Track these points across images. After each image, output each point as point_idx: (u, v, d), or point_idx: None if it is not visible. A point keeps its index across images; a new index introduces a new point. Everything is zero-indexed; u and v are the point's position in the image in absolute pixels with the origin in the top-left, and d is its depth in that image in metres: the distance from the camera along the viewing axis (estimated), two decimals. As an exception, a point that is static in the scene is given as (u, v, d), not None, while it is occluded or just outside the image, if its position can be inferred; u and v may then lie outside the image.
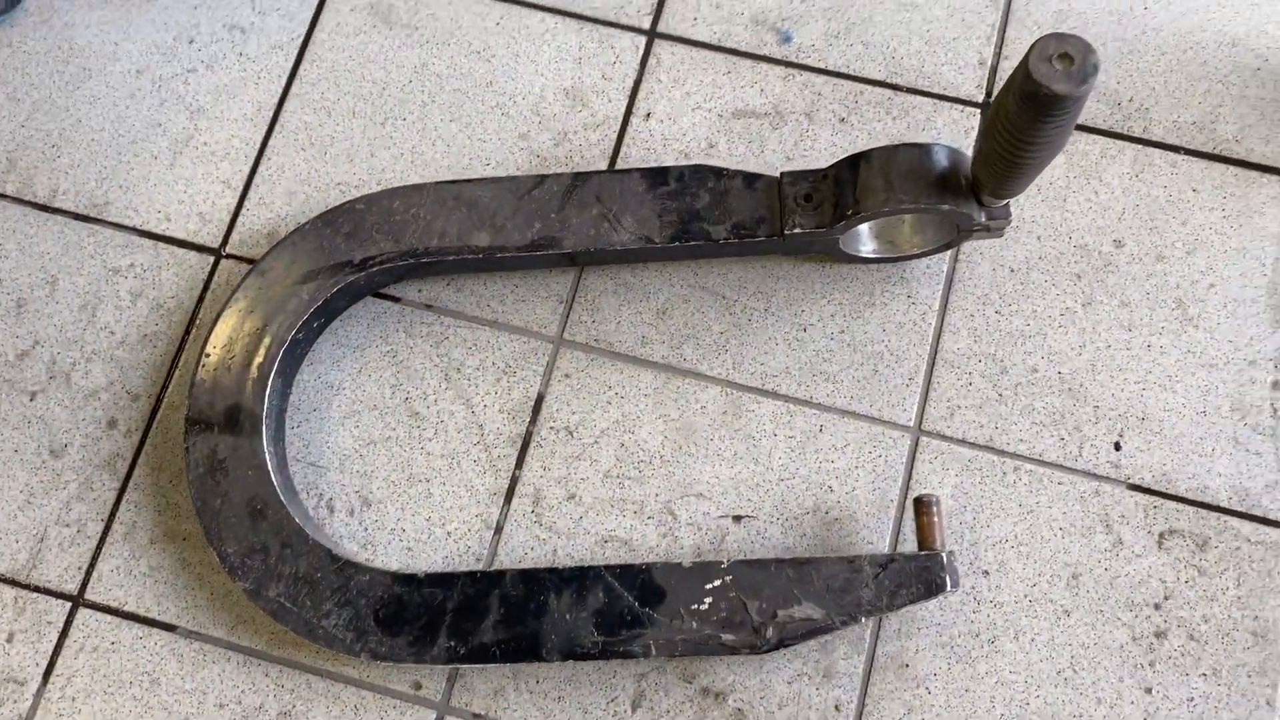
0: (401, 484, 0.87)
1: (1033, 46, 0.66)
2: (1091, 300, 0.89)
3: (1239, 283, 0.89)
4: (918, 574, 0.77)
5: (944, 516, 0.83)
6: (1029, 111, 0.69)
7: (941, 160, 0.80)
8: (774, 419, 0.88)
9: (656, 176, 0.87)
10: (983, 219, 0.82)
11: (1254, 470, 0.85)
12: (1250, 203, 0.91)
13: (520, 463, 0.87)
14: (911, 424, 0.87)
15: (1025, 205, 0.92)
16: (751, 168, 0.94)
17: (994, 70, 0.96)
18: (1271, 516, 0.84)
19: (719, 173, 0.86)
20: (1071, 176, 0.92)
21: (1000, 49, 0.96)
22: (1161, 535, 0.84)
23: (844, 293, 0.90)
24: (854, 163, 0.82)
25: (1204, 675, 0.81)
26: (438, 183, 0.88)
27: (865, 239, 0.88)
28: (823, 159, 0.93)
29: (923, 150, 0.80)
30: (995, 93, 0.94)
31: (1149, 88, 0.94)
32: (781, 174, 0.85)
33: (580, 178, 0.87)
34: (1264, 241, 0.90)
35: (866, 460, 0.86)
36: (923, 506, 0.80)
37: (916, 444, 0.87)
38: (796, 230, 0.84)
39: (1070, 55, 0.66)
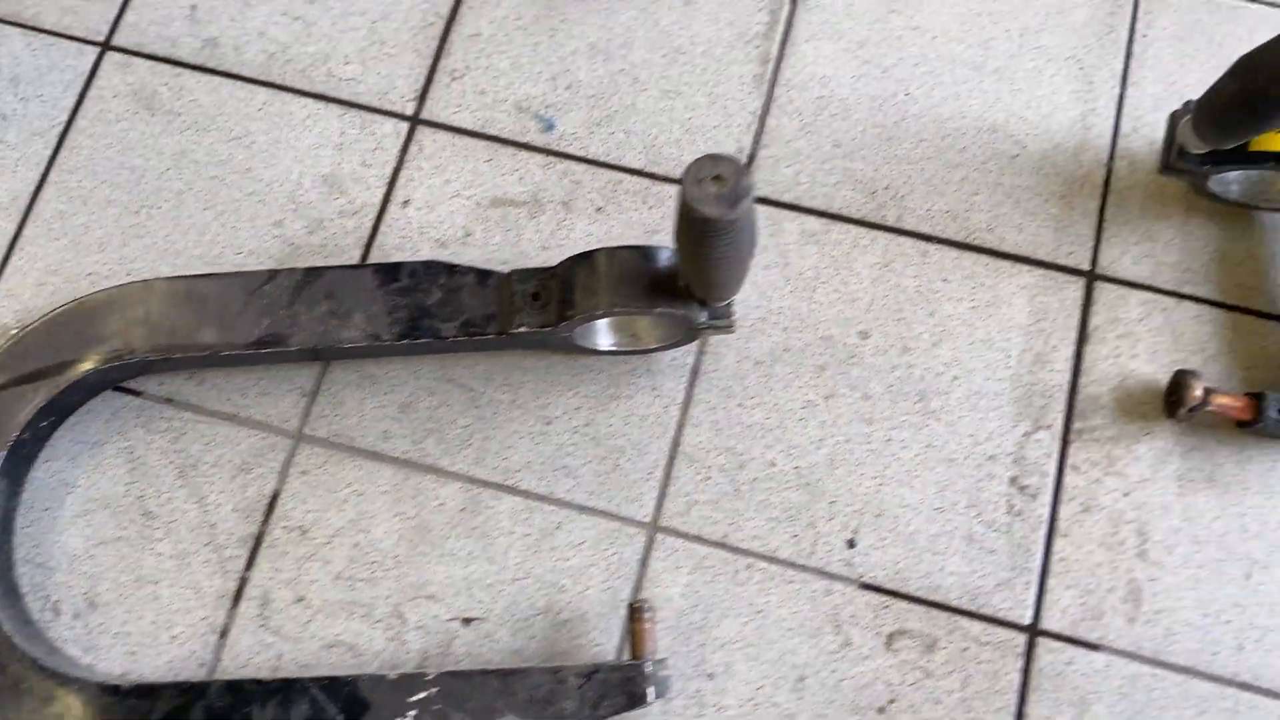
0: (129, 586, 0.86)
1: (688, 168, 0.66)
2: (834, 393, 0.89)
3: (983, 375, 0.89)
4: (621, 685, 0.76)
5: (656, 622, 0.82)
6: (690, 231, 0.68)
7: (661, 262, 0.80)
8: (512, 516, 0.87)
9: (389, 272, 0.86)
10: (705, 319, 0.81)
11: (986, 568, 0.84)
12: (999, 293, 0.91)
13: (250, 563, 0.86)
14: (648, 520, 0.86)
15: (773, 296, 0.91)
16: (507, 256, 0.93)
17: (753, 158, 0.95)
18: (1001, 616, 0.83)
19: (451, 269, 0.86)
20: (822, 266, 0.92)
21: (760, 137, 0.96)
22: (890, 636, 0.83)
23: (590, 385, 0.90)
24: (577, 262, 0.82)
25: (930, 778, 0.81)
26: (169, 278, 0.87)
27: (603, 333, 0.87)
28: (578, 249, 0.92)
29: (643, 252, 0.80)
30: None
31: (905, 175, 0.94)
32: (511, 272, 0.85)
33: (313, 273, 0.86)
34: (1010, 333, 0.90)
35: (601, 558, 0.85)
36: (635, 613, 0.79)
37: (652, 541, 0.86)
38: (521, 329, 0.83)
39: (722, 177, 0.65)
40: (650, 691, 0.76)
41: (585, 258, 0.81)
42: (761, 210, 0.94)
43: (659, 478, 0.87)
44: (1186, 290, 0.90)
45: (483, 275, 0.85)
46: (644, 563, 0.85)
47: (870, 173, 0.95)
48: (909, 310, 0.91)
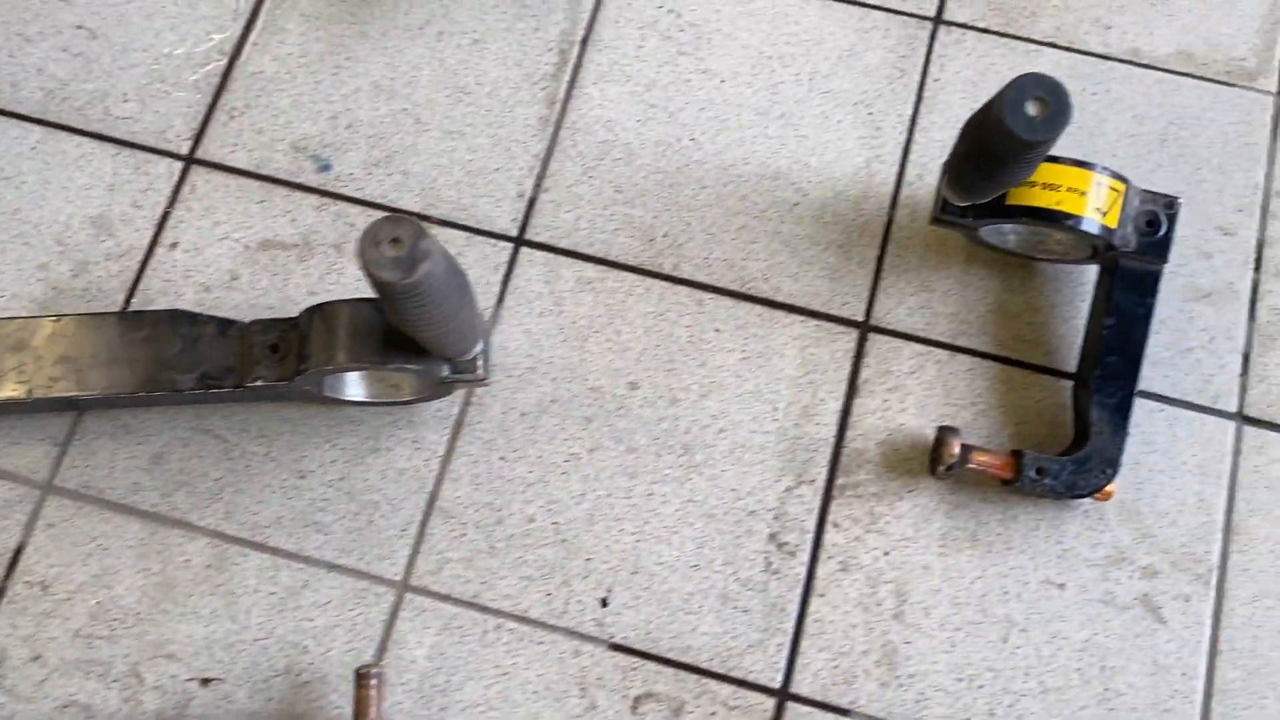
0: None
1: (365, 230, 0.64)
2: (599, 446, 0.87)
3: (749, 428, 0.87)
4: (335, 754, 0.74)
5: (384, 689, 0.79)
6: (379, 294, 0.66)
7: (398, 314, 0.78)
8: (259, 573, 0.84)
9: (131, 321, 0.84)
10: (447, 373, 0.79)
11: (739, 629, 0.82)
12: (771, 344, 0.89)
13: (-15, 620, 0.83)
14: (398, 579, 0.84)
15: (545, 344, 0.89)
16: (272, 301, 0.91)
17: (532, 203, 0.93)
18: (751, 679, 0.81)
19: (193, 318, 0.83)
20: (596, 315, 0.90)
21: (541, 181, 0.94)
22: (637, 699, 0.81)
23: (349, 437, 0.87)
24: (315, 314, 0.79)
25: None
26: (-94, 326, 0.84)
27: (354, 385, 0.85)
28: (347, 294, 0.90)
29: (377, 305, 0.78)
30: (527, 228, 0.93)
31: (685, 223, 0.92)
32: (252, 322, 0.82)
33: (58, 320, 0.84)
34: (779, 385, 0.88)
35: (347, 618, 0.83)
36: (360, 679, 0.76)
37: (400, 601, 0.84)
38: (259, 382, 0.81)
39: (400, 240, 0.63)
40: (365, 762, 0.74)
41: (323, 309, 0.79)
42: (538, 256, 0.92)
43: (413, 534, 0.85)
44: (961, 342, 0.89)
45: (224, 325, 0.83)
46: (390, 623, 0.83)
47: (650, 219, 0.93)
48: (680, 361, 0.89)
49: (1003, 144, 0.67)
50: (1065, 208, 0.79)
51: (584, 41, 0.98)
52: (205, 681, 0.82)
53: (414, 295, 0.64)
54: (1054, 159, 0.80)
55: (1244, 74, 0.95)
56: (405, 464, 0.87)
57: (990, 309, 0.89)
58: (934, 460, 0.83)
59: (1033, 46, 0.96)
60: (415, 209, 0.93)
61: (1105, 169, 0.81)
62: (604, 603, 0.83)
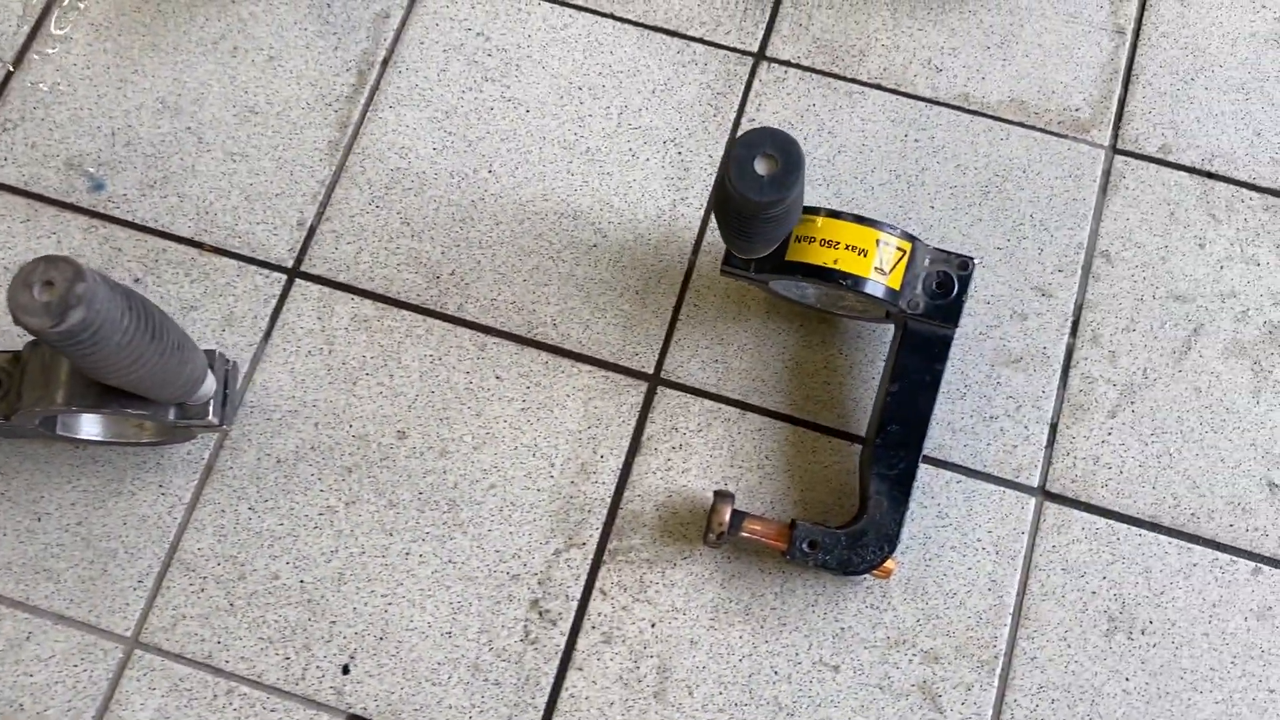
0: None
1: (19, 270, 0.58)
2: (357, 499, 0.81)
3: (522, 484, 0.82)
4: (12, 833, 0.68)
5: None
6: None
7: (121, 353, 0.72)
8: (-21, 623, 0.78)
9: None
10: (174, 417, 0.74)
11: (488, 703, 0.77)
12: (554, 394, 0.84)
13: None
14: (129, 634, 0.78)
15: (311, 386, 0.84)
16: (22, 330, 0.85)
17: (312, 232, 0.88)
18: (495, 758, 0.76)
19: (-84, 348, 0.77)
20: (369, 356, 0.84)
21: (325, 208, 0.88)
22: (371, 775, 0.76)
23: (91, 478, 0.81)
24: (36, 349, 0.74)
25: None
26: None
27: (90, 424, 0.79)
28: (108, 323, 0.85)
29: (99, 342, 0.72)
30: (304, 259, 0.87)
31: (474, 260, 0.87)
32: (-26, 355, 0.77)
33: None
34: (558, 439, 0.82)
35: (70, 674, 0.77)
36: (54, 748, 0.71)
37: (128, 658, 0.78)
38: (-25, 420, 0.75)
39: (54, 283, 0.58)
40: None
41: (35, 344, 0.73)
42: (313, 290, 0.86)
43: (149, 586, 0.79)
44: (754, 400, 0.84)
45: (-50, 356, 0.77)
46: (115, 682, 0.77)
47: (437, 255, 0.87)
48: (455, 409, 0.83)
49: (737, 203, 0.62)
50: (844, 266, 0.74)
51: (385, 63, 0.92)
52: (-93, 740, 0.76)
53: (73, 343, 0.59)
54: (836, 214, 0.75)
55: (1077, 125, 0.90)
56: (148, 510, 0.81)
57: (786, 366, 0.84)
58: (706, 527, 0.77)
59: (856, 87, 0.91)
60: (188, 234, 0.87)
61: (893, 227, 0.75)
62: (345, 670, 0.78)
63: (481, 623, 0.78)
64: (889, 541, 0.76)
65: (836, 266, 0.74)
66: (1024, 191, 0.88)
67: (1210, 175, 0.89)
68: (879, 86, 0.91)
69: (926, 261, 0.77)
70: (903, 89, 0.91)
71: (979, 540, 0.80)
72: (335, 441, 0.82)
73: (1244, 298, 0.85)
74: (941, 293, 0.77)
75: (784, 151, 0.61)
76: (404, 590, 0.79)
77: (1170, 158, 0.89)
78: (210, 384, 0.75)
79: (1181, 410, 0.83)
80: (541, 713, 0.77)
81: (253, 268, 0.87)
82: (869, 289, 0.74)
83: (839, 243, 0.74)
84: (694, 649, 0.78)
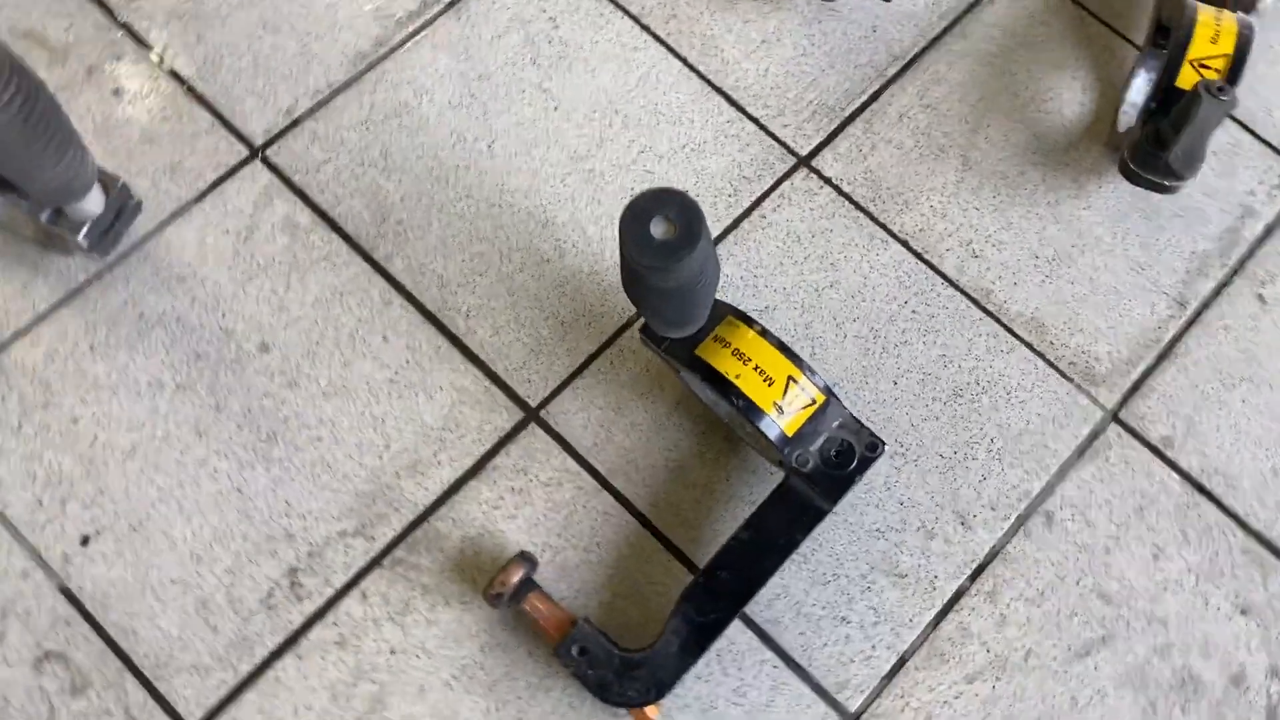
0: None
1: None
2: (190, 386, 0.76)
3: (347, 451, 0.75)
4: None
5: None
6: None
7: None
8: None
9: None
10: (45, 219, 0.71)
11: (196, 644, 0.70)
12: (428, 380, 0.78)
13: None
14: (-88, 406, 0.75)
15: (210, 262, 0.80)
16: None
17: (295, 124, 0.84)
18: (172, 699, 0.69)
19: None
20: (277, 260, 0.80)
21: (318, 109, 0.85)
22: (47, 654, 0.69)
23: (-32, 248, 0.79)
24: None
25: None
26: None
27: (-16, 196, 0.77)
28: None
29: None
30: (270, 146, 0.84)
31: (426, 220, 0.82)
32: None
33: None
34: (407, 424, 0.76)
35: None
36: None
37: (-102, 427, 0.75)
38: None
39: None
40: None
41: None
42: (263, 176, 0.83)
43: (-43, 371, 0.76)
44: (617, 482, 0.76)
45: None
46: (-127, 443, 0.74)
47: (396, 200, 0.83)
48: (327, 349, 0.78)
49: (629, 258, 0.56)
50: (743, 386, 0.67)
51: (451, 3, 0.89)
52: None
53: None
54: (765, 333, 0.68)
55: (1088, 374, 0.81)
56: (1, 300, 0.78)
57: (668, 465, 0.77)
58: (490, 581, 0.70)
59: (883, 234, 0.84)
60: (188, 73, 0.85)
61: (815, 373, 0.68)
62: (85, 541, 0.73)
63: (233, 563, 0.73)
64: (659, 688, 0.67)
65: (736, 382, 0.67)
66: (998, 413, 0.79)
67: (1202, 490, 0.78)
68: (906, 244, 0.84)
69: (836, 424, 0.69)
70: (928, 256, 0.84)
71: (764, 737, 0.71)
72: (201, 324, 0.78)
73: (1173, 632, 0.74)
74: (838, 463, 0.69)
75: (686, 219, 0.54)
76: (181, 494, 0.74)
77: (1169, 453, 0.79)
78: (95, 203, 0.72)
79: (1046, 713, 0.72)
80: (239, 680, 0.70)
81: (223, 131, 0.84)
82: (759, 421, 0.66)
83: (751, 360, 0.67)
84: (419, 698, 0.70)
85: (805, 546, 0.73)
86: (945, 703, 0.72)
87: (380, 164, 0.84)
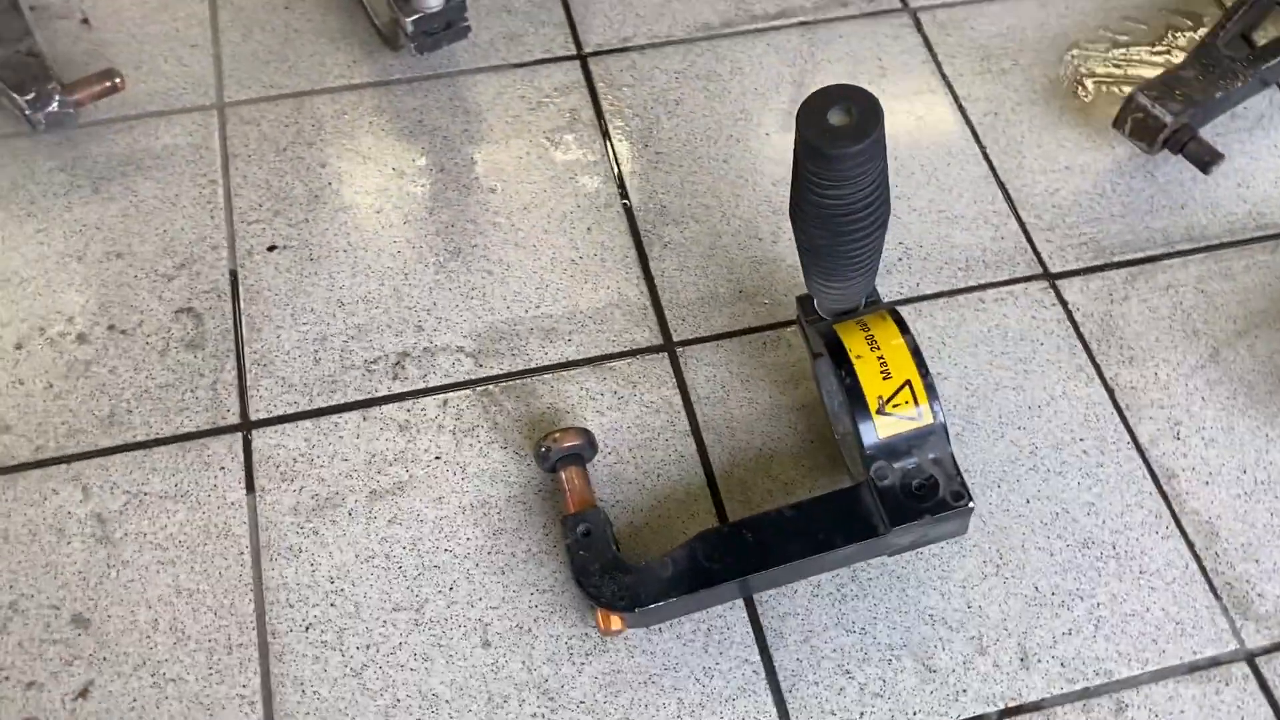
0: None
1: None
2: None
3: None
4: None
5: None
6: None
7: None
8: None
9: None
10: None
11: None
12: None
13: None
14: None
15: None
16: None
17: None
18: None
19: None
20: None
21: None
22: None
23: None
24: None
25: None
26: None
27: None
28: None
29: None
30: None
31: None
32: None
33: None
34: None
35: None
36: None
37: None
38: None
39: None
40: None
41: None
42: (577, 76, 0.92)
43: None
44: (709, 435, 0.75)
45: None
46: None
47: (666, 136, 0.89)
48: (540, 214, 0.84)
49: (802, 143, 0.57)
50: (858, 365, 0.64)
51: (804, 24, 0.96)
52: None
53: None
54: (910, 341, 0.65)
55: (1242, 609, 0.70)
56: (332, 64, 0.91)
57: (761, 450, 0.74)
58: (546, 434, 0.71)
59: (1091, 371, 0.78)
60: (566, -19, 0.98)
61: (938, 404, 0.64)
62: (271, 248, 0.81)
63: (365, 323, 0.78)
64: (632, 600, 0.64)
65: (854, 361, 0.65)
66: (1119, 584, 0.70)
67: (1319, 788, 0.64)
68: (1111, 391, 0.78)
69: (932, 456, 0.64)
70: (1127, 413, 0.77)
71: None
72: (460, 149, 0.87)
73: None
74: (916, 494, 0.64)
75: (864, 110, 0.55)
76: (362, 254, 0.81)
77: (1299, 731, 0.66)
78: (435, 1, 0.83)
79: None
80: (308, 408, 0.75)
81: (567, 30, 0.95)
82: (857, 408, 0.64)
83: (880, 350, 0.65)
84: (433, 505, 0.71)
85: (849, 588, 0.69)
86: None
87: (670, 107, 0.91)
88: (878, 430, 0.64)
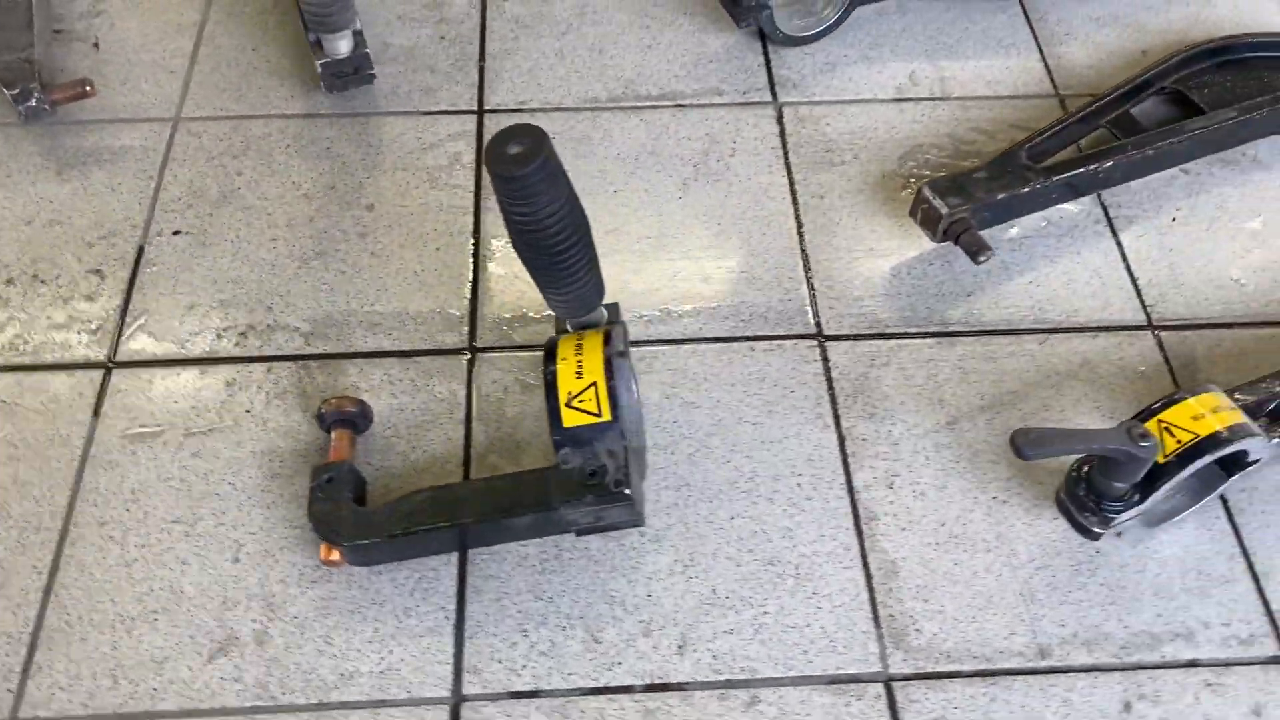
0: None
1: None
2: (309, 198, 1.01)
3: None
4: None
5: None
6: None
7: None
8: None
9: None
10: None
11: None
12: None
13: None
14: None
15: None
16: None
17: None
18: (119, 338, 0.91)
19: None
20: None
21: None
22: (96, 269, 0.96)
23: None
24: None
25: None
26: None
27: None
28: None
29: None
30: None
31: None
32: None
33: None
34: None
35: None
36: (76, 76, 1.02)
37: (163, 119, 1.07)
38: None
39: None
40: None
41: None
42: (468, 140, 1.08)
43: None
44: (477, 426, 0.87)
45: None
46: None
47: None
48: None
49: (496, 187, 0.69)
50: (559, 367, 0.76)
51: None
52: None
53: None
54: (613, 353, 0.77)
55: (897, 637, 0.77)
56: None
57: (519, 447, 0.86)
58: (326, 399, 0.84)
59: (829, 420, 0.87)
60: None
61: (620, 409, 0.75)
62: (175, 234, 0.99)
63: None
64: (346, 537, 0.77)
65: (559, 363, 0.76)
66: (791, 600, 0.78)
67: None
68: (842, 439, 0.87)
69: (608, 450, 0.75)
70: (851, 459, 0.86)
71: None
72: (346, 198, 1.04)
73: None
74: (588, 478, 0.75)
75: (535, 139, 0.68)
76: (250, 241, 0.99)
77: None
78: (344, 47, 1.01)
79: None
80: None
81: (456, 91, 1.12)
82: (550, 400, 0.75)
83: (582, 357, 0.77)
84: (234, 449, 0.86)
85: (551, 564, 0.81)
86: (533, 750, 0.73)
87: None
88: (564, 418, 0.76)
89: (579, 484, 0.75)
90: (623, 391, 0.77)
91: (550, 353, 0.78)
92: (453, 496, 0.78)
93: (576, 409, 0.76)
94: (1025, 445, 0.68)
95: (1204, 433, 0.74)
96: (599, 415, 0.76)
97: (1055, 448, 0.70)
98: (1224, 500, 0.85)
